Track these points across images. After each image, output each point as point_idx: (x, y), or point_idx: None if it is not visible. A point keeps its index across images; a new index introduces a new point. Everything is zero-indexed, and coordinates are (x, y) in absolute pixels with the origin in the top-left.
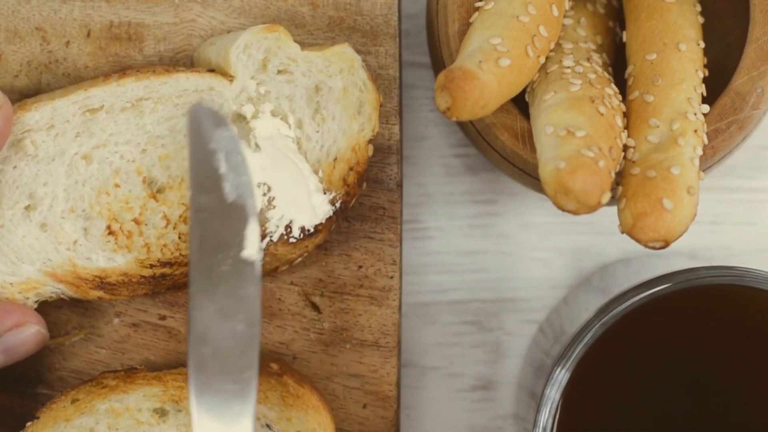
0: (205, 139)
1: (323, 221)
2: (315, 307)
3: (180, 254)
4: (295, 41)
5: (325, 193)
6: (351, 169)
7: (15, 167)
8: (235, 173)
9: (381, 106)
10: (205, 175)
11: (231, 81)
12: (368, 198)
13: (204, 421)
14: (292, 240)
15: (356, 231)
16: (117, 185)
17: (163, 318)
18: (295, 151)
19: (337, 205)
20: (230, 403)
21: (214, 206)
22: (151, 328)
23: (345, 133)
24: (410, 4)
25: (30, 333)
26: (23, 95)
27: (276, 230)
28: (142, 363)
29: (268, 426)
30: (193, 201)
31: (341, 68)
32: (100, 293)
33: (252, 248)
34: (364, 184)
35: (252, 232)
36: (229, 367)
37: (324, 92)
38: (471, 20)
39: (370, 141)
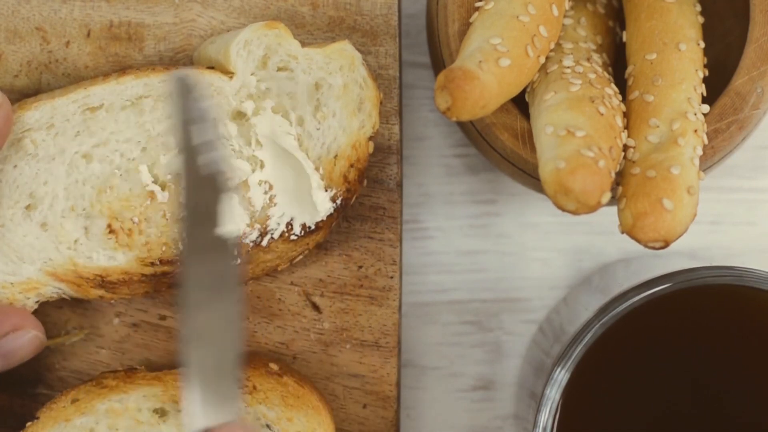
0: (187, 110)
1: (324, 218)
2: (315, 307)
3: None
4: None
5: (326, 191)
6: (352, 166)
7: (15, 166)
8: (212, 147)
9: (381, 103)
10: (195, 146)
11: (231, 78)
12: (368, 198)
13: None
14: (293, 237)
15: (356, 231)
16: (117, 184)
17: (163, 318)
18: (296, 148)
19: (338, 202)
20: (218, 378)
21: (195, 177)
22: (151, 328)
23: (345, 130)
24: (410, 4)
25: (28, 337)
26: (23, 95)
27: (277, 228)
28: (142, 363)
29: (268, 426)
30: (182, 170)
31: (341, 65)
32: (101, 292)
33: (228, 225)
34: (365, 181)
35: (228, 207)
36: (216, 341)
37: (324, 89)
38: (471, 20)
39: (370, 138)
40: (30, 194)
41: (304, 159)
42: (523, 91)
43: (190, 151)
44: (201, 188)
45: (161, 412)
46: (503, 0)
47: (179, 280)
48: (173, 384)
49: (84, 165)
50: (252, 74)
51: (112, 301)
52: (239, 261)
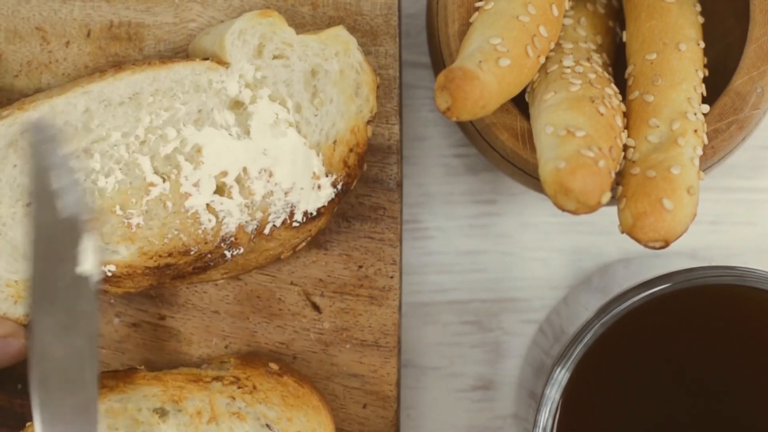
0: (43, 156)
1: (326, 204)
2: (315, 307)
3: (182, 243)
4: None
5: (326, 176)
6: (351, 150)
7: (15, 166)
8: (70, 190)
9: (378, 87)
10: (43, 192)
11: (227, 68)
12: (368, 198)
13: None
14: (295, 224)
15: (356, 231)
16: (118, 178)
17: (163, 318)
18: (295, 135)
19: (339, 187)
20: (73, 420)
21: (51, 222)
22: (151, 328)
23: (343, 115)
24: (410, 4)
25: (13, 344)
26: (23, 95)
27: (279, 215)
28: (142, 363)
29: (268, 426)
30: (31, 217)
31: (337, 51)
32: (105, 286)
33: (87, 264)
34: (365, 166)
35: (87, 247)
36: (69, 383)
37: (321, 75)
38: (471, 20)
39: (368, 122)
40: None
41: (303, 146)
42: (523, 91)
43: (46, 196)
44: (58, 231)
45: (161, 412)
46: (503, 0)
47: (29, 327)
48: (173, 384)
49: (84, 160)
50: (248, 63)
51: (112, 301)
52: (96, 300)
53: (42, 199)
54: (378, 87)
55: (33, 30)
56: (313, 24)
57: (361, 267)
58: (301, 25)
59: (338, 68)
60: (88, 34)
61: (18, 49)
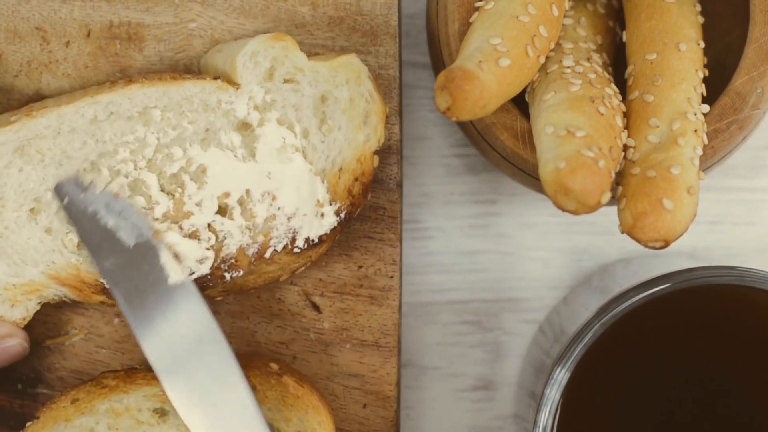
0: (84, 208)
1: (328, 232)
2: (315, 307)
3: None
4: (295, 41)
5: (330, 204)
6: (356, 179)
7: (20, 170)
8: (123, 219)
9: (387, 117)
10: (100, 237)
11: (237, 89)
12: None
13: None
14: (296, 250)
15: (356, 231)
16: (122, 192)
17: None
18: (301, 160)
19: (342, 215)
20: (234, 422)
21: (123, 260)
22: None
23: (351, 143)
24: (410, 4)
25: (13, 345)
26: (23, 95)
27: (280, 240)
28: (142, 363)
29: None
30: (101, 265)
31: (348, 78)
32: (102, 298)
33: (174, 272)
34: (369, 195)
35: (166, 259)
36: (217, 387)
37: (330, 102)
38: (471, 20)
39: (375, 152)
40: (35, 198)
41: (308, 172)
42: (523, 91)
43: (106, 238)
44: (133, 263)
45: (161, 412)
46: (503, 0)
47: (152, 364)
48: None
49: (90, 172)
50: (258, 85)
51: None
52: (202, 299)
53: (103, 244)
54: (387, 117)
55: (33, 30)
56: (313, 24)
57: (361, 267)
58: (301, 25)
59: (348, 96)
60: (88, 34)
61: (18, 49)
